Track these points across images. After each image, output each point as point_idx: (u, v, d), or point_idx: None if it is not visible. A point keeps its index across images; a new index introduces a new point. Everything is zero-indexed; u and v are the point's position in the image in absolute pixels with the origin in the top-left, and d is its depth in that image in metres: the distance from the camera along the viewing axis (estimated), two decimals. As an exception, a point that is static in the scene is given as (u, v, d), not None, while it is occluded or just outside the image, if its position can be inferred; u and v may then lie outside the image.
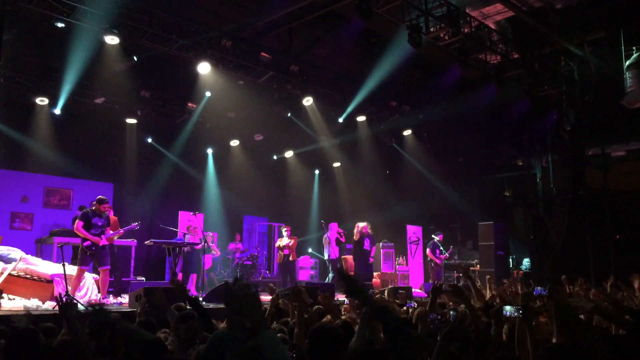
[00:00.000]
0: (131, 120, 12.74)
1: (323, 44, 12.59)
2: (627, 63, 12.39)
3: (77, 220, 8.42)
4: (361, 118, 14.30)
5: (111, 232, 8.89)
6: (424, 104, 14.06)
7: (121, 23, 9.52)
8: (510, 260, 15.04)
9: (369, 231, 12.23)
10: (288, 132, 15.19)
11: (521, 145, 15.72)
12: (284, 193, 16.91)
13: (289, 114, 13.94)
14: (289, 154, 16.18)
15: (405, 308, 5.05)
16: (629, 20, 12.75)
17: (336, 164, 16.78)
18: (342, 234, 12.38)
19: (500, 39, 12.42)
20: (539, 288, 3.92)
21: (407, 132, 15.43)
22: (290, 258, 12.16)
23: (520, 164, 16.52)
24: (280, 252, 12.27)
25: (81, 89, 11.23)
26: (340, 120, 14.15)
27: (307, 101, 13.13)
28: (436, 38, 11.14)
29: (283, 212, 16.49)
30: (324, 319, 4.56)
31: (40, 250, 10.79)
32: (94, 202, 8.59)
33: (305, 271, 15.24)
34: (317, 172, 17.42)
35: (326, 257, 12.57)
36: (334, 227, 12.47)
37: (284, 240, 12.25)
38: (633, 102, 12.45)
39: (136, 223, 9.37)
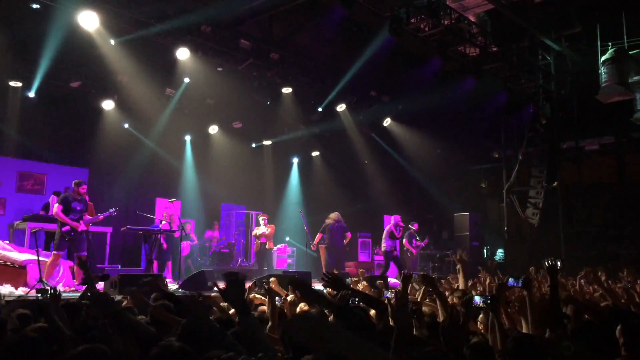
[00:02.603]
0: (108, 105, 12.54)
1: (304, 32, 12.53)
2: (603, 58, 12.60)
3: (56, 205, 8.34)
4: (341, 107, 14.30)
5: (89, 217, 8.80)
6: (404, 95, 14.12)
7: (98, 5, 9.34)
8: (485, 250, 15.28)
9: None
10: (267, 120, 15.13)
11: (498, 137, 15.93)
12: (262, 181, 16.86)
13: (268, 102, 13.88)
14: (267, 142, 16.13)
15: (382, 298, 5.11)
16: (605, 16, 12.96)
17: (315, 153, 16.78)
18: (398, 227, 12.47)
19: (479, 31, 12.52)
20: (512, 279, 3.97)
21: (387, 123, 15.48)
22: (267, 246, 12.17)
23: (497, 156, 16.74)
24: (257, 240, 12.28)
25: (56, 72, 11.00)
26: (320, 109, 14.13)
27: (287, 90, 13.09)
28: (416, 29, 11.19)
29: (261, 200, 16.46)
30: (297, 308, 4.61)
31: (13, 235, 10.61)
32: (73, 187, 8.52)
33: (283, 259, 15.28)
34: (295, 160, 17.41)
35: (382, 248, 12.56)
36: (394, 219, 12.57)
37: (261, 229, 12.25)
38: (608, 97, 12.68)
39: (113, 209, 9.27)
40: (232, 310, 4.25)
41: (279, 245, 14.75)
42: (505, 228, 15.55)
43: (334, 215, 12.31)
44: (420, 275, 3.85)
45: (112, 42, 10.16)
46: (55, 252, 8.15)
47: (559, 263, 3.89)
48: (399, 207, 15.86)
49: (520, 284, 3.82)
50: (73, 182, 8.57)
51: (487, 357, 2.78)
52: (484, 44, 12.44)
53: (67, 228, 8.19)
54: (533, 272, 7.25)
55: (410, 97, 13.83)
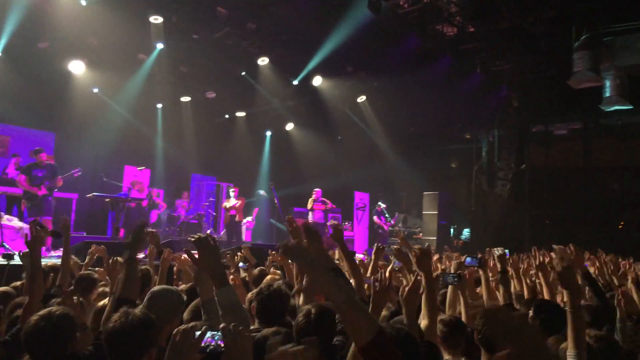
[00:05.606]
0: (77, 69, 12.18)
1: (282, 3, 12.31)
2: (576, 44, 12.71)
3: (20, 174, 8.46)
4: (316, 82, 14.20)
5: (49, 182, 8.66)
6: (380, 72, 14.08)
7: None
8: (452, 229, 15.53)
9: None
10: (241, 91, 14.94)
11: (470, 118, 16.06)
12: (234, 153, 16.73)
13: (243, 73, 13.69)
14: (241, 113, 15.96)
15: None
16: (582, 2, 13.04)
17: (288, 127, 16.69)
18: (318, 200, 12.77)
19: (457, 11, 12.49)
20: (469, 259, 4.26)
21: (361, 99, 15.46)
22: (237, 219, 12.15)
23: (468, 137, 16.91)
24: (227, 212, 12.24)
25: (24, 32, 10.61)
26: (295, 82, 14.00)
27: (263, 61, 12.91)
28: (396, 6, 11.12)
29: (232, 172, 16.37)
30: (265, 279, 4.63)
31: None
32: (32, 153, 8.53)
33: (251, 232, 15.27)
34: (268, 133, 17.30)
35: None
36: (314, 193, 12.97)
37: (231, 201, 12.21)
38: (579, 82, 12.82)
39: (77, 169, 9.09)
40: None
41: (248, 218, 14.73)
42: (472, 208, 15.80)
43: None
44: (394, 249, 3.86)
45: (83, 2, 9.83)
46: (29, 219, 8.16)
47: (507, 252, 4.27)
48: (369, 183, 15.98)
49: (476, 263, 4.10)
50: (34, 150, 8.61)
51: (460, 331, 2.92)
52: (461, 23, 12.45)
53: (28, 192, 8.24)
54: (487, 253, 7.43)
55: (386, 74, 13.80)
